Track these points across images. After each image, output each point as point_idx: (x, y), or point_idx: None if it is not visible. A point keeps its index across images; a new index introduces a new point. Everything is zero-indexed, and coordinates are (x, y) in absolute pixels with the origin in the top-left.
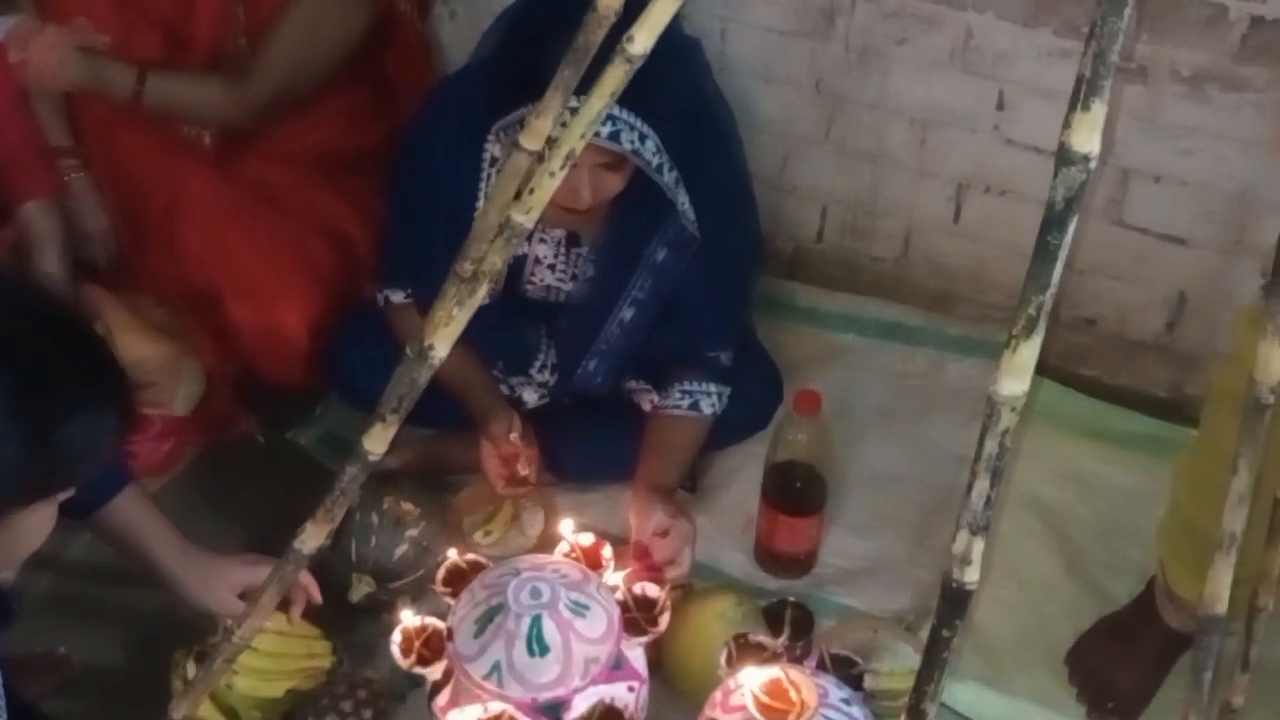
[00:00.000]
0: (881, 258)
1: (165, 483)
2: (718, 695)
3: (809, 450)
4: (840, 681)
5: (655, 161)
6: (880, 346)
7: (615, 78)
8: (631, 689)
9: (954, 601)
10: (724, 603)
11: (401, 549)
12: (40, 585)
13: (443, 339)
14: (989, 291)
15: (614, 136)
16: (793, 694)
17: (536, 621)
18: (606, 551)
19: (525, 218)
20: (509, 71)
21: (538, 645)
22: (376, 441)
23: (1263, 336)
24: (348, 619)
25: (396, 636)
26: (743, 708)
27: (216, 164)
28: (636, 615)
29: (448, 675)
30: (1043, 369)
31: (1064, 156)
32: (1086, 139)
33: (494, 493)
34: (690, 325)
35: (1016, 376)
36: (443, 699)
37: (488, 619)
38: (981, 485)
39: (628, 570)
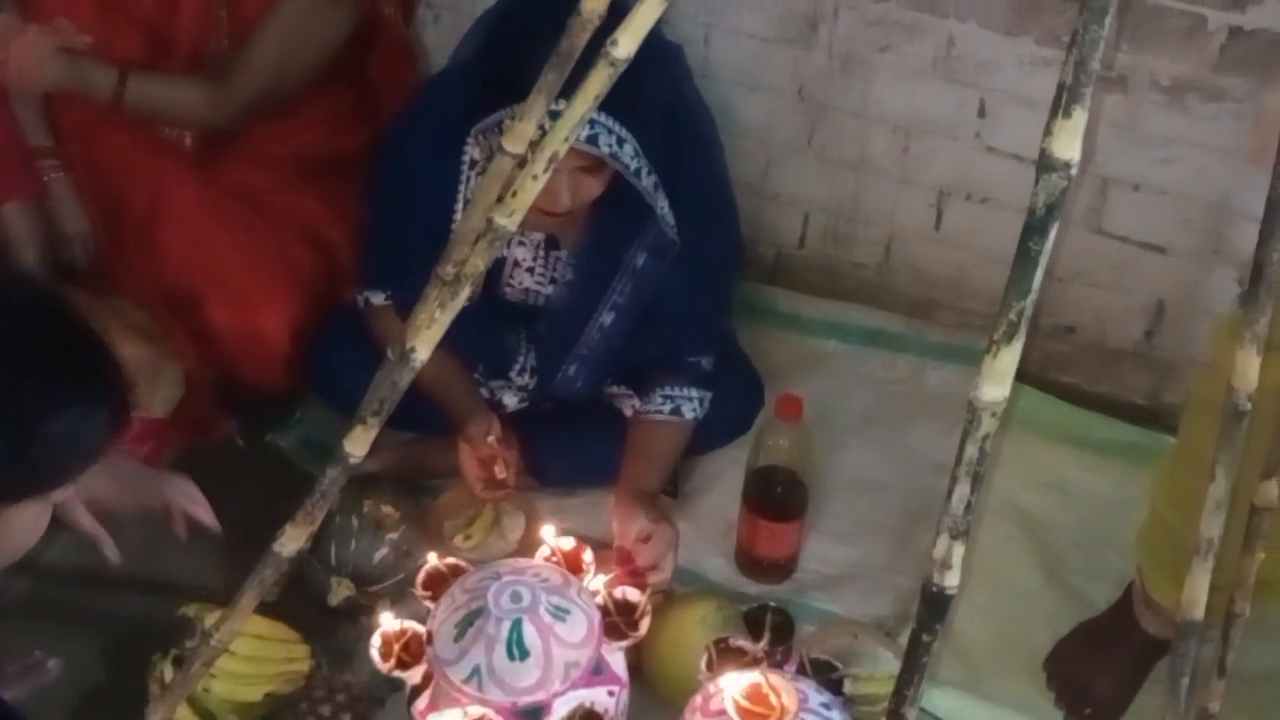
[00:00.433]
0: (863, 264)
1: None
2: (698, 700)
3: (790, 456)
4: (820, 686)
5: (634, 165)
6: (861, 353)
7: (598, 81)
8: (612, 693)
9: (934, 606)
10: (704, 607)
11: (381, 553)
12: (17, 588)
13: (424, 342)
14: (970, 299)
15: (592, 140)
16: (772, 699)
17: (517, 626)
18: (587, 556)
19: (508, 221)
20: (488, 74)
21: (518, 649)
22: (357, 444)
23: (1240, 344)
24: (327, 623)
25: (376, 640)
26: (723, 712)
27: (198, 166)
28: (617, 620)
29: (427, 679)
30: (1022, 376)
31: (1045, 163)
32: (1067, 146)
33: (474, 496)
34: (671, 330)
35: (997, 382)
36: (422, 703)
37: (468, 623)
38: (962, 490)
39: (610, 575)
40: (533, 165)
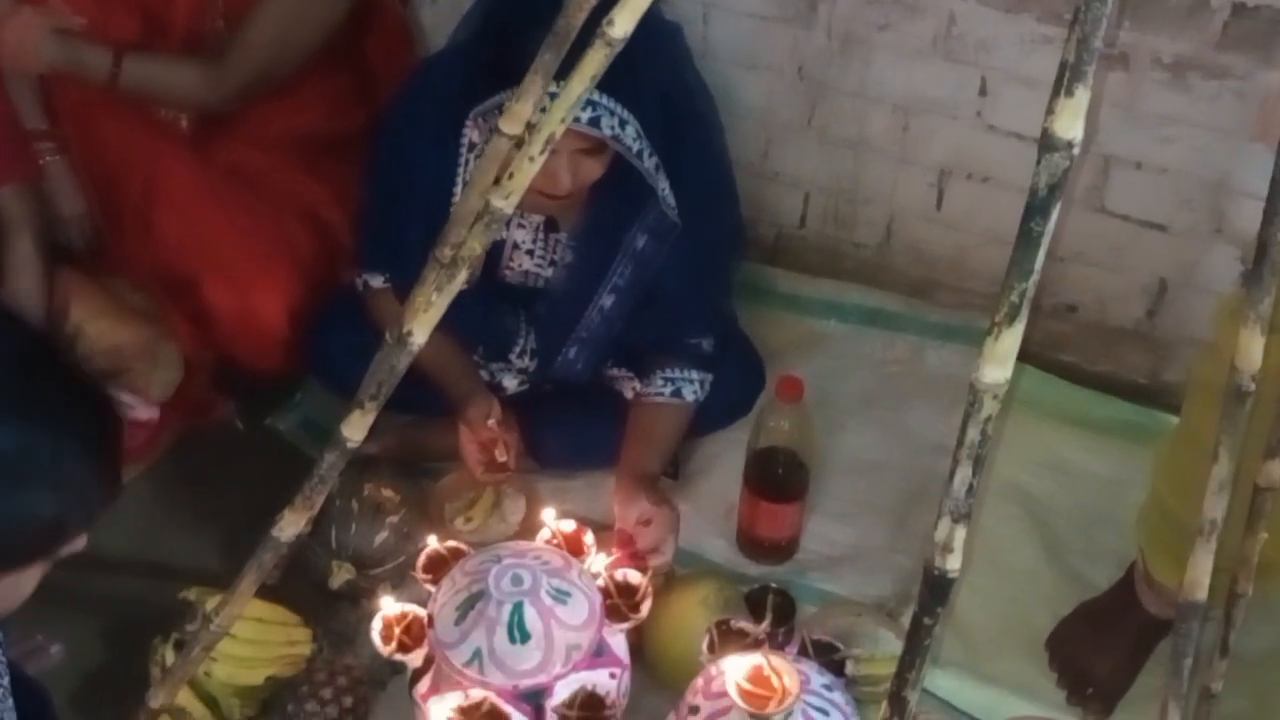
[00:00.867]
0: (863, 244)
1: (143, 469)
2: (699, 682)
3: (791, 437)
4: (822, 667)
5: (635, 147)
6: (861, 333)
7: (595, 61)
8: (613, 675)
9: (936, 589)
10: (706, 589)
11: (382, 536)
12: None
13: (421, 325)
14: (970, 279)
15: (594, 122)
16: (774, 680)
17: (518, 608)
18: (588, 538)
19: (505, 203)
20: (487, 56)
21: (519, 632)
22: (355, 429)
23: (1243, 324)
24: (328, 606)
25: (377, 624)
26: (724, 694)
27: (194, 148)
28: (618, 602)
29: (428, 662)
30: (1023, 356)
31: (1047, 143)
32: (1069, 125)
33: (475, 479)
34: (671, 312)
35: (999, 364)
36: (423, 686)
37: (469, 606)
38: (964, 473)
39: (611, 557)
40: (529, 147)
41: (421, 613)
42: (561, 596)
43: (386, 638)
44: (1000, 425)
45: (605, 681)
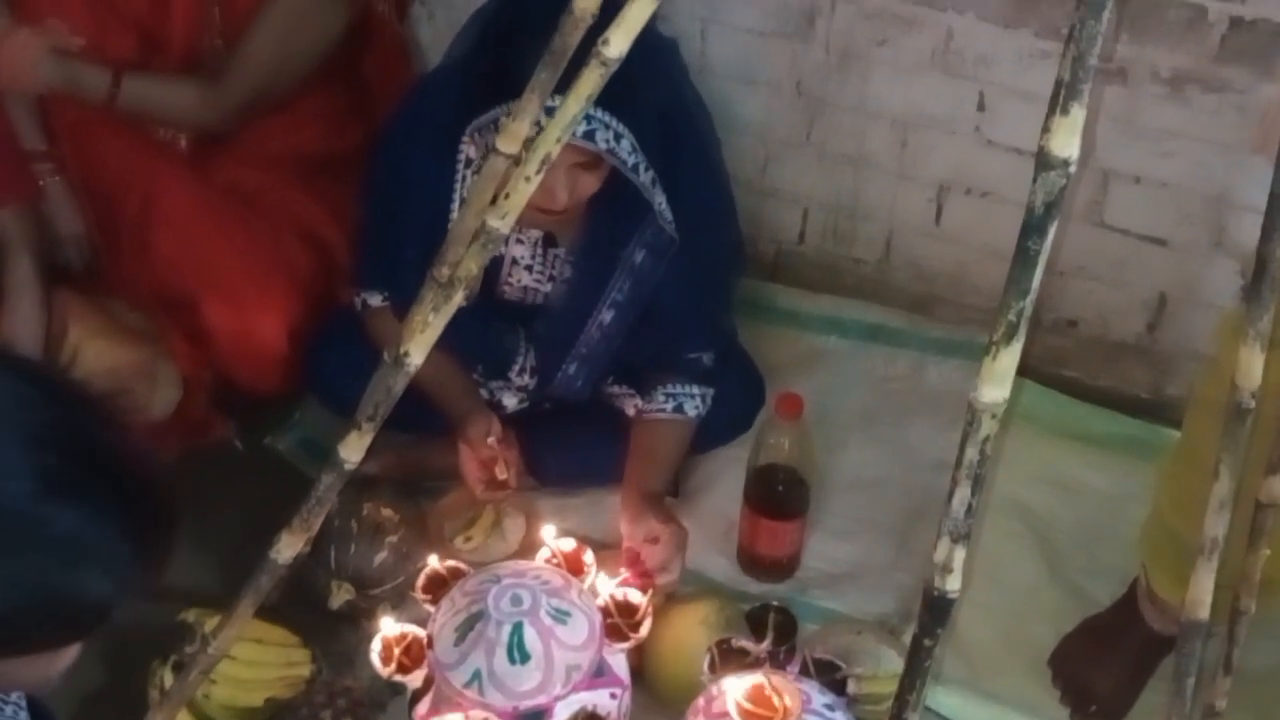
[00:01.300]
0: (863, 260)
1: None
2: (700, 701)
3: (791, 454)
4: (823, 687)
5: (631, 161)
6: (862, 349)
7: (591, 81)
8: (614, 695)
9: (936, 610)
10: (706, 608)
11: (381, 556)
12: None
13: (418, 345)
14: (970, 294)
15: (589, 135)
16: (775, 700)
17: (517, 629)
18: (588, 557)
19: (501, 223)
20: (483, 71)
21: (518, 653)
22: (352, 450)
23: (1243, 341)
24: (327, 627)
25: (376, 644)
26: (725, 714)
27: (192, 167)
28: (618, 621)
29: (428, 683)
30: (1023, 371)
31: (1043, 161)
32: (1065, 143)
33: (474, 498)
34: (670, 327)
35: (997, 383)
36: (423, 707)
37: (468, 626)
38: (962, 493)
39: (619, 577)
40: (525, 167)
41: (421, 633)
42: (561, 616)
43: (386, 659)
44: (1001, 441)
45: (606, 702)
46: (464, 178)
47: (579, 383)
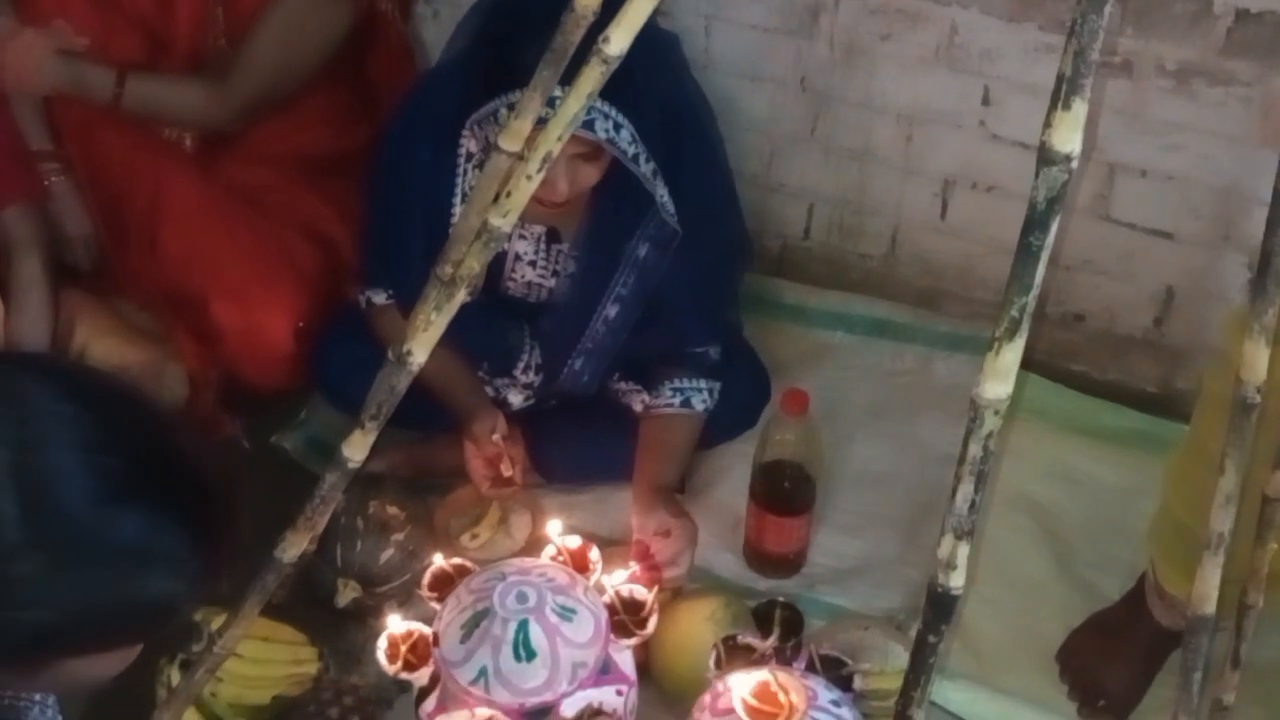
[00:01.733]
0: (869, 255)
1: None
2: (706, 698)
3: (797, 449)
4: (830, 683)
5: (631, 151)
6: (868, 344)
7: (591, 79)
8: (620, 692)
9: (940, 607)
10: (712, 604)
11: (387, 554)
12: None
13: (421, 344)
14: (977, 288)
15: (588, 125)
16: (781, 696)
17: (523, 626)
18: (594, 554)
19: (503, 221)
20: (481, 65)
21: (524, 650)
22: (356, 449)
23: (1248, 335)
24: (334, 625)
25: (383, 642)
26: (731, 710)
27: (198, 166)
28: (624, 618)
29: (434, 681)
30: (1031, 365)
31: (1045, 156)
32: (1067, 138)
33: (480, 495)
34: (676, 321)
35: (1000, 379)
36: (430, 705)
37: (474, 624)
38: (966, 489)
39: (628, 570)
40: (526, 165)
41: (427, 631)
42: (567, 614)
43: (392, 656)
44: (1008, 435)
45: (612, 699)
46: (465, 172)
47: (585, 378)
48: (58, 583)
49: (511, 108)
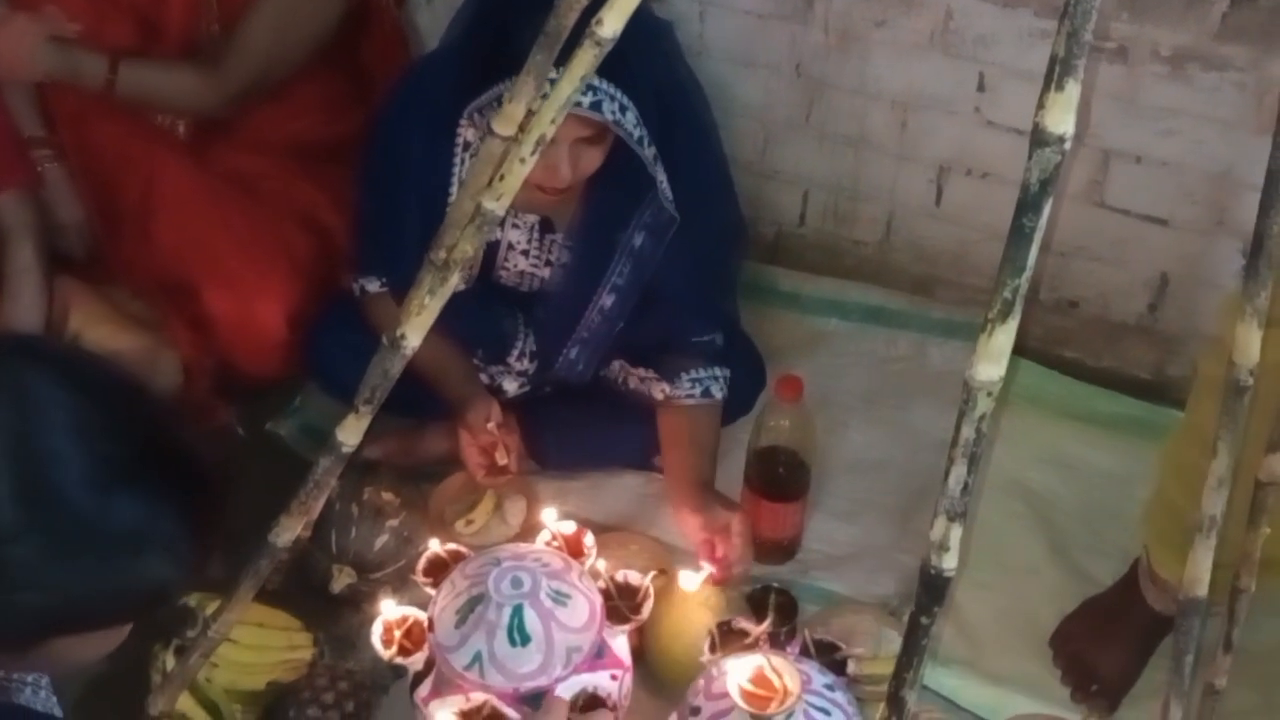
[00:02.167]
0: (863, 242)
1: None
2: (701, 682)
3: (791, 436)
4: (823, 667)
5: (636, 134)
6: (863, 331)
7: (584, 62)
8: (614, 677)
9: (933, 588)
10: (707, 589)
11: (382, 539)
12: None
13: (415, 328)
14: (971, 275)
15: (595, 106)
16: (776, 681)
17: (518, 611)
18: (588, 539)
19: (496, 205)
20: (479, 53)
21: (519, 635)
22: (350, 433)
23: (1240, 318)
24: (329, 610)
25: (377, 627)
26: (726, 695)
27: (191, 153)
28: (619, 603)
29: (429, 666)
30: (1025, 351)
31: (1038, 138)
32: (1061, 119)
33: (475, 482)
34: (675, 311)
35: (993, 361)
36: (425, 690)
37: (469, 609)
38: (959, 471)
39: (704, 573)
40: (520, 148)
41: (422, 616)
42: (561, 599)
43: (387, 641)
44: (1002, 421)
45: (606, 683)
46: (462, 161)
47: (580, 366)
48: (52, 565)
49: None
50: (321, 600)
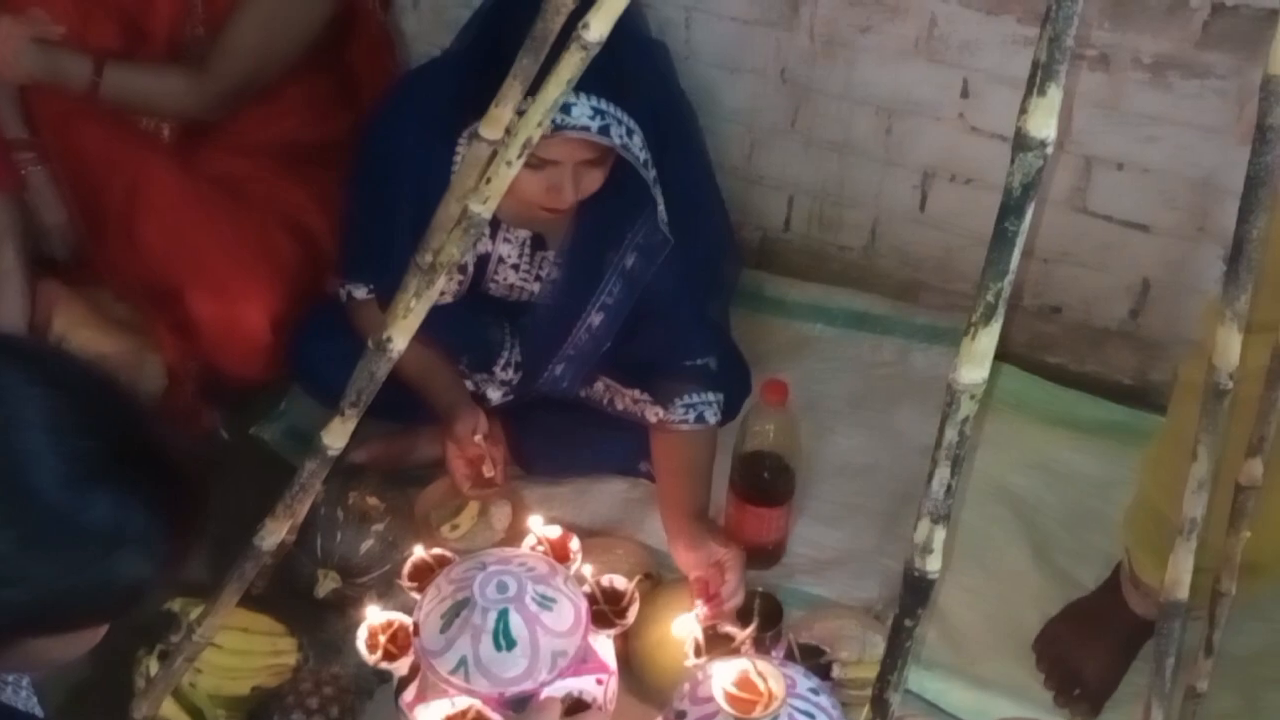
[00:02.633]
0: (849, 247)
1: None
2: (686, 687)
3: (776, 440)
4: (808, 671)
5: (642, 157)
6: (848, 336)
7: (571, 65)
8: (600, 681)
9: (916, 591)
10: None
11: (367, 544)
12: None
13: (400, 331)
14: (955, 280)
15: (604, 130)
16: (760, 684)
17: (503, 615)
18: (574, 544)
19: (483, 208)
20: (485, 70)
21: (504, 639)
22: (335, 436)
23: (1220, 322)
24: (313, 615)
25: (362, 632)
26: (711, 699)
27: (176, 156)
28: (604, 608)
29: (414, 670)
30: (1008, 357)
31: (1020, 142)
32: (1043, 124)
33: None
34: (667, 333)
35: (976, 364)
36: (410, 694)
37: (454, 613)
38: (942, 474)
39: (695, 611)
40: (506, 151)
41: (407, 621)
42: (547, 603)
43: (372, 646)
44: (986, 427)
45: (592, 687)
46: None
47: (564, 383)
48: (27, 562)
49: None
50: (306, 605)
